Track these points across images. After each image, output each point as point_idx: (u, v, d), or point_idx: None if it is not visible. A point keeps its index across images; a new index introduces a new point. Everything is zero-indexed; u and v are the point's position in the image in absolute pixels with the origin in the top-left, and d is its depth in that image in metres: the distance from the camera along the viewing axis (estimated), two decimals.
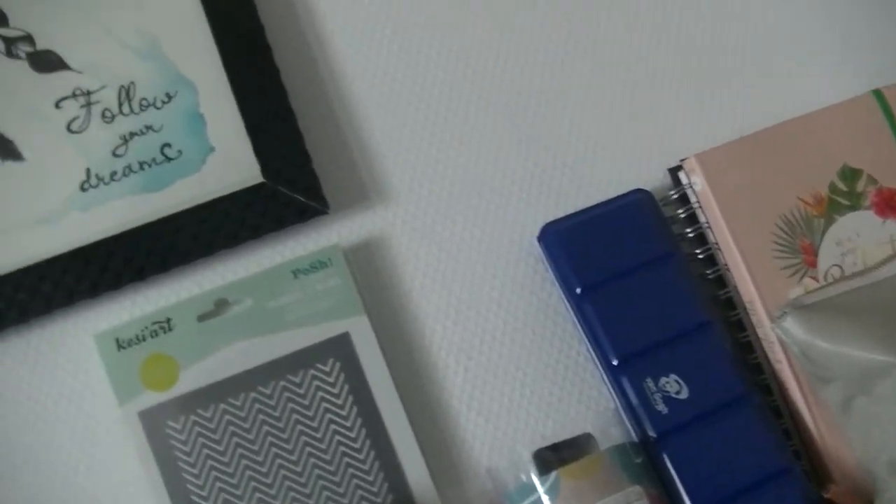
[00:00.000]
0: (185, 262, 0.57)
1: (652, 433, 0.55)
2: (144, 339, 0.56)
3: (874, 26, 0.65)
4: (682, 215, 0.59)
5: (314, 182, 0.58)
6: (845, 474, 0.56)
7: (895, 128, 0.60)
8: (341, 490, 0.55)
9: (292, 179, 0.57)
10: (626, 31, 0.64)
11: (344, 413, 0.56)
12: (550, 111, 0.62)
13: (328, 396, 0.56)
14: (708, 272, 0.59)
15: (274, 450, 0.55)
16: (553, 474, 0.53)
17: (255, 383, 0.56)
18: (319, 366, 0.56)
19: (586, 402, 0.59)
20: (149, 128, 0.58)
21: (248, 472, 0.55)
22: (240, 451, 0.55)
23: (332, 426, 0.56)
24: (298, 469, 0.55)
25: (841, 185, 0.59)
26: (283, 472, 0.55)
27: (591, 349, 0.57)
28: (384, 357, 0.56)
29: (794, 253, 0.58)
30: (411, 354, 0.58)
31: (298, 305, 0.56)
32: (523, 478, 0.54)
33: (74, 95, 0.58)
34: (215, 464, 0.55)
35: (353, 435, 0.56)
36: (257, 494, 0.55)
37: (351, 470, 0.55)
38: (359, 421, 0.56)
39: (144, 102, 0.58)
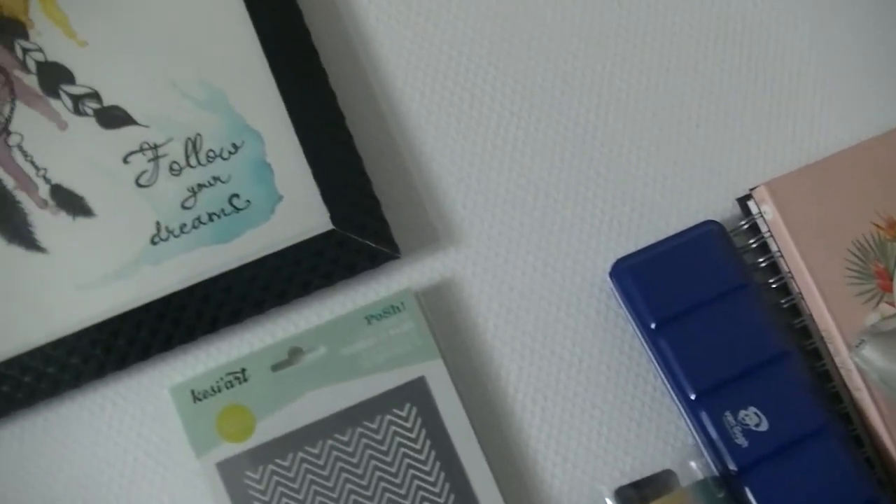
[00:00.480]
0: (258, 313, 0.57)
1: (733, 467, 0.54)
2: (220, 391, 0.56)
3: None
4: (754, 245, 0.59)
5: (384, 227, 0.58)
6: None
7: None
8: None
9: (362, 225, 0.57)
10: (691, 63, 0.63)
11: (422, 458, 0.56)
12: (617, 145, 0.62)
13: (406, 441, 0.56)
14: (782, 301, 0.58)
15: (353, 496, 0.55)
16: None
17: (332, 431, 0.55)
18: (396, 411, 0.56)
19: (664, 437, 0.58)
20: (216, 179, 0.58)
21: None
22: (319, 499, 0.55)
23: (411, 471, 0.55)
24: None
25: None
26: None
27: (667, 384, 0.57)
28: (461, 400, 0.56)
29: (867, 278, 0.57)
30: (487, 396, 0.58)
31: (373, 351, 0.56)
32: None
33: (142, 150, 0.58)
34: None
35: (432, 479, 0.55)
36: None
37: None
38: (437, 465, 0.55)
39: (211, 154, 0.59)
